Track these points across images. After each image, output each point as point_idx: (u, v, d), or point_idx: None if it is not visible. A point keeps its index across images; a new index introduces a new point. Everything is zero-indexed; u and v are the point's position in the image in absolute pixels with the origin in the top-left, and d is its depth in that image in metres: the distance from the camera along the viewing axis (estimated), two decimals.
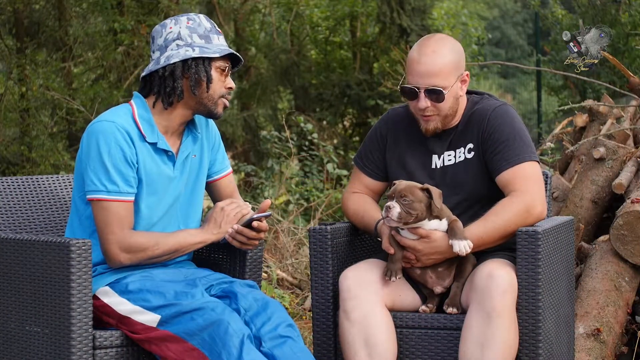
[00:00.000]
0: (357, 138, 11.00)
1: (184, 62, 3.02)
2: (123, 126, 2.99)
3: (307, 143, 8.56)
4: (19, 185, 3.36)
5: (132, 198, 3.00)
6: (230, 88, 3.10)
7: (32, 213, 3.35)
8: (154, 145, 3.04)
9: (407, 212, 3.02)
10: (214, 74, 3.05)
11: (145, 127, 3.03)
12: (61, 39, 8.88)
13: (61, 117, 8.52)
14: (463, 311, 3.08)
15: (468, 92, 3.30)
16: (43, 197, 3.39)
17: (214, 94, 3.06)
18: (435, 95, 3.12)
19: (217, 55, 3.03)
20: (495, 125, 3.16)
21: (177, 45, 3.04)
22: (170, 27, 3.05)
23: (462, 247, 3.02)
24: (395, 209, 3.01)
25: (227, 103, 3.11)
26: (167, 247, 3.02)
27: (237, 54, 3.11)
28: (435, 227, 3.06)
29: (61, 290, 2.84)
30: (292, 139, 8.27)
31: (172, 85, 3.03)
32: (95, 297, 2.98)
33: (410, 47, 3.25)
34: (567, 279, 3.31)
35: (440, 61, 3.12)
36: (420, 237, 3.06)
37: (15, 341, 2.98)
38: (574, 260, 3.42)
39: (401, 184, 3.08)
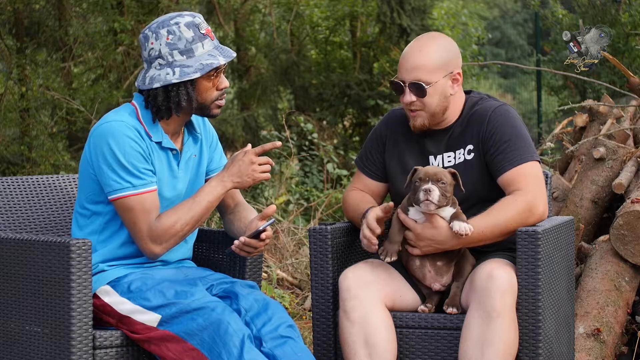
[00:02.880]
0: (357, 138, 10.99)
1: (165, 87, 2.98)
2: (131, 124, 2.99)
3: (307, 143, 8.56)
4: (19, 185, 3.36)
5: (156, 186, 3.00)
6: (224, 88, 3.05)
7: (32, 213, 3.35)
8: (158, 144, 3.04)
9: (444, 194, 3.00)
10: (203, 84, 3.00)
11: (150, 126, 3.03)
12: (61, 39, 8.88)
13: (61, 117, 8.53)
14: (463, 311, 3.08)
15: (467, 92, 3.30)
16: (43, 197, 3.39)
17: (204, 102, 3.03)
18: (418, 89, 3.14)
19: (197, 75, 2.96)
20: (496, 125, 3.16)
21: (160, 64, 2.98)
22: (152, 42, 2.99)
23: (463, 227, 2.99)
24: (436, 191, 2.98)
25: (222, 103, 3.06)
26: (194, 217, 2.99)
27: (224, 58, 3.00)
28: (449, 213, 3.06)
29: (61, 290, 2.84)
30: (292, 138, 8.27)
31: (157, 107, 3.01)
32: (95, 296, 2.98)
33: None
34: (567, 279, 3.31)
35: (426, 57, 3.13)
36: (425, 220, 3.06)
37: (15, 341, 2.98)
38: (574, 260, 3.42)
39: (430, 168, 3.04)
